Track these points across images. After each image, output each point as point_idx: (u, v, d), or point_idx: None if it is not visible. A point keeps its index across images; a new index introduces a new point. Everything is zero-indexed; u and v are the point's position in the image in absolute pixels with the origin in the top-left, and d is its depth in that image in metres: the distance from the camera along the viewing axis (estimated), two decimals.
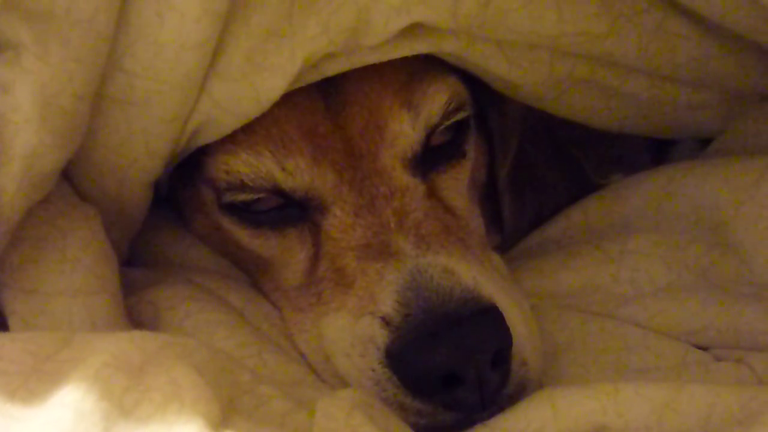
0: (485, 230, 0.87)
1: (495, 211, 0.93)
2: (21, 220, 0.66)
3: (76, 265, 0.68)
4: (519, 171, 0.92)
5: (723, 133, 0.94)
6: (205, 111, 0.73)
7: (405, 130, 0.78)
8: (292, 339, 0.78)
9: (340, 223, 0.76)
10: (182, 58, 0.68)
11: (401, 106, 0.78)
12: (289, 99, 0.75)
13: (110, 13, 0.65)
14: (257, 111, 0.74)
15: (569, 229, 0.91)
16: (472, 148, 0.86)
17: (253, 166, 0.76)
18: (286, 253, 0.80)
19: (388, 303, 0.69)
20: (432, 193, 0.80)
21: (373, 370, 0.69)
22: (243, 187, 0.77)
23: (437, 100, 0.79)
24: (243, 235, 0.81)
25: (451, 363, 0.64)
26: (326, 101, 0.78)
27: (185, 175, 0.84)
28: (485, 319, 0.67)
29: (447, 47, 0.78)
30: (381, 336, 0.68)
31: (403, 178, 0.78)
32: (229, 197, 0.79)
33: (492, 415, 0.66)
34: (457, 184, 0.84)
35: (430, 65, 0.81)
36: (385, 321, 0.69)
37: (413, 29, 0.75)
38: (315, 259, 0.78)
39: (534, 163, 0.94)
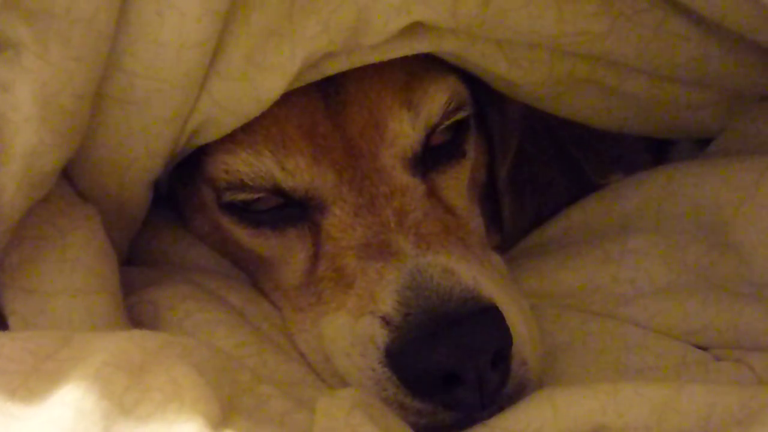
0: (485, 230, 0.87)
1: (495, 211, 0.93)
2: (21, 220, 0.66)
3: (76, 264, 0.68)
4: (519, 171, 0.92)
5: (723, 133, 0.94)
6: (205, 110, 0.73)
7: (405, 130, 0.78)
8: (292, 338, 0.78)
9: (340, 222, 0.76)
10: (182, 58, 0.68)
11: (401, 105, 0.78)
12: (289, 98, 0.75)
13: (110, 12, 0.65)
14: (257, 110, 0.74)
15: (569, 229, 0.91)
16: (472, 147, 0.86)
17: (252, 166, 0.76)
18: (286, 252, 0.80)
19: (388, 302, 0.69)
20: (432, 193, 0.80)
21: (373, 370, 0.69)
22: (243, 186, 0.77)
23: (437, 99, 0.79)
24: (243, 235, 0.81)
25: (451, 363, 0.64)
26: (326, 101, 0.78)
27: (185, 175, 0.84)
28: (485, 319, 0.67)
29: (447, 47, 0.78)
30: (381, 335, 0.68)
31: (403, 177, 0.78)
32: (228, 197, 0.79)
33: (492, 414, 0.66)
34: (457, 183, 0.84)
35: (430, 65, 0.81)
36: (385, 320, 0.69)
37: (413, 29, 0.75)
38: (315, 258, 0.78)
39: (534, 162, 0.94)
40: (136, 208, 0.80)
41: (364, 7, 0.72)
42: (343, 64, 0.75)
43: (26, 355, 0.56)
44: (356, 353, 0.70)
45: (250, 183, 0.77)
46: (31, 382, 0.54)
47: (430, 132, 0.80)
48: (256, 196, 0.78)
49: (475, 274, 0.72)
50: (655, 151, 1.05)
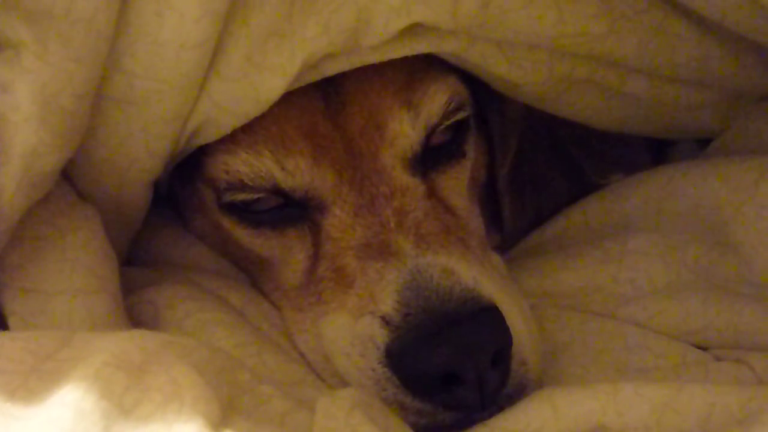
0: (485, 230, 0.87)
1: (495, 211, 0.93)
2: (21, 220, 0.66)
3: (76, 264, 0.68)
4: (519, 171, 0.92)
5: (723, 133, 0.94)
6: (204, 111, 0.73)
7: (405, 130, 0.78)
8: (292, 339, 0.78)
9: (340, 222, 0.76)
10: (182, 58, 0.68)
11: (401, 105, 0.78)
12: (288, 99, 0.75)
13: (110, 12, 0.65)
14: (257, 111, 0.74)
15: (569, 229, 0.91)
16: (472, 147, 0.86)
17: (252, 166, 0.76)
18: (286, 252, 0.80)
19: (388, 302, 0.69)
20: (432, 193, 0.80)
21: (373, 370, 0.69)
22: (243, 186, 0.77)
23: (437, 100, 0.80)
24: (243, 235, 0.81)
25: (451, 362, 0.64)
26: (326, 101, 0.78)
27: (185, 175, 0.84)
28: (485, 319, 0.67)
29: (447, 47, 0.78)
30: (381, 335, 0.68)
31: (403, 177, 0.78)
32: (228, 197, 0.79)
33: (492, 414, 0.66)
34: (457, 183, 0.84)
35: (430, 65, 0.81)
36: (385, 320, 0.69)
37: (413, 29, 0.75)
38: (315, 258, 0.78)
39: (534, 162, 0.94)
40: (135, 208, 0.80)
41: (364, 8, 0.72)
42: (342, 64, 0.76)
43: (26, 355, 0.56)
44: (356, 353, 0.70)
45: (250, 183, 0.77)
46: (30, 382, 0.54)
47: (430, 132, 0.80)
48: (256, 196, 0.78)
49: (475, 274, 0.72)
50: (655, 151, 1.05)
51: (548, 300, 0.83)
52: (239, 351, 0.70)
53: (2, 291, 0.66)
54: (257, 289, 0.83)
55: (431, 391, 0.66)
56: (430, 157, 0.81)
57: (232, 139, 0.77)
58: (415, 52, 0.77)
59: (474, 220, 0.84)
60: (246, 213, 0.80)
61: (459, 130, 0.84)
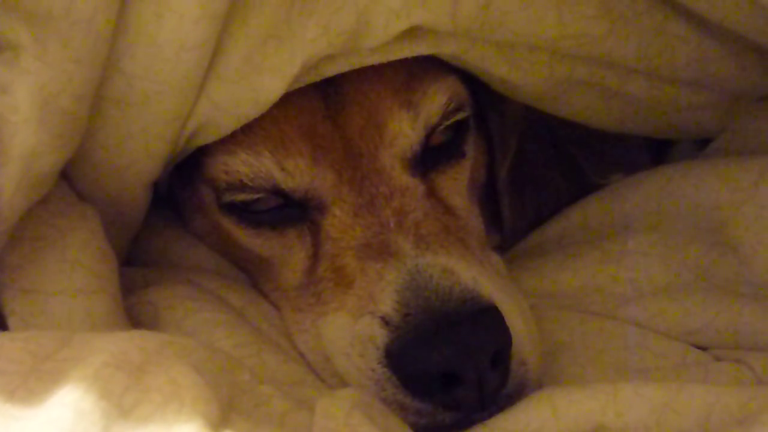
0: (485, 230, 0.87)
1: (494, 211, 0.93)
2: (19, 220, 0.66)
3: (76, 264, 0.68)
4: (518, 171, 0.92)
5: (722, 133, 0.95)
6: (203, 112, 0.73)
7: (404, 130, 0.78)
8: (292, 339, 0.78)
9: (340, 222, 0.76)
10: (181, 59, 0.68)
11: (401, 106, 0.78)
12: (288, 99, 0.75)
13: (109, 13, 0.65)
14: (256, 112, 0.74)
15: (569, 229, 0.91)
16: (472, 148, 0.86)
17: (252, 166, 0.76)
18: (286, 252, 0.80)
19: (387, 303, 0.69)
20: (431, 193, 0.80)
21: (373, 370, 0.69)
22: (242, 187, 0.77)
23: (437, 100, 0.80)
24: (242, 235, 0.81)
25: (451, 363, 0.64)
26: (326, 101, 0.78)
27: (185, 175, 0.84)
28: (485, 319, 0.67)
29: (446, 49, 0.78)
30: (380, 336, 0.68)
31: (402, 177, 0.78)
32: (228, 197, 0.79)
33: (491, 415, 0.66)
34: (457, 184, 0.84)
35: (429, 65, 0.81)
36: (385, 321, 0.69)
37: (413, 31, 0.75)
38: (314, 258, 0.78)
39: (533, 163, 0.94)
40: (135, 209, 0.80)
41: (364, 10, 0.72)
42: (342, 65, 0.76)
43: (26, 356, 0.56)
44: (356, 353, 0.70)
45: (250, 183, 0.77)
46: (30, 383, 0.54)
47: (430, 132, 0.80)
48: (255, 196, 0.78)
49: (475, 274, 0.72)
50: (654, 151, 1.05)
51: (548, 300, 0.83)
52: (239, 351, 0.70)
53: (2, 291, 0.66)
54: (257, 290, 0.83)
55: (431, 392, 0.66)
56: (430, 157, 0.81)
57: (232, 140, 0.77)
58: (414, 54, 0.77)
59: (474, 220, 0.84)
60: (246, 213, 0.80)
61: (459, 130, 0.84)
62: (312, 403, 0.62)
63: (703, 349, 0.76)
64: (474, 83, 0.86)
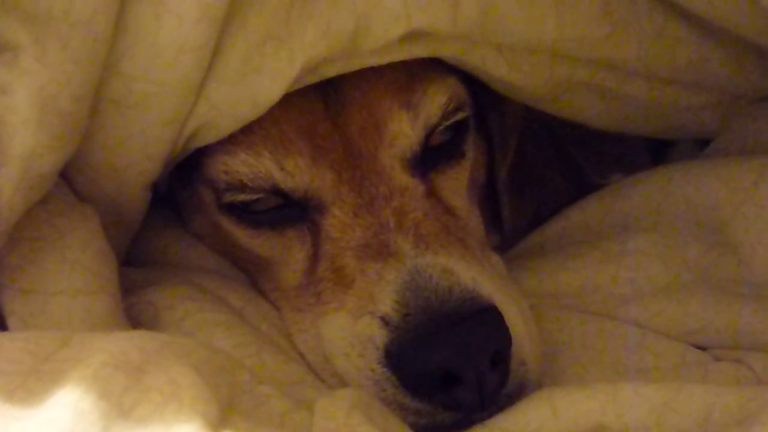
0: (484, 230, 0.87)
1: (494, 211, 0.93)
2: (18, 221, 0.66)
3: (75, 265, 0.68)
4: (518, 171, 0.92)
5: (722, 133, 0.95)
6: (202, 114, 0.73)
7: (404, 130, 0.78)
8: (292, 339, 0.78)
9: (340, 223, 0.76)
10: (180, 61, 0.68)
11: (400, 106, 0.78)
12: (288, 99, 0.75)
13: (108, 14, 0.65)
14: (255, 114, 0.74)
15: (568, 229, 0.91)
16: (472, 148, 0.86)
17: (252, 167, 0.76)
18: (286, 253, 0.80)
19: (387, 303, 0.69)
20: (431, 193, 0.80)
21: (372, 370, 0.69)
22: (242, 187, 0.77)
23: (436, 100, 0.80)
24: (242, 235, 0.81)
25: (450, 363, 0.64)
26: (325, 101, 0.78)
27: (184, 176, 0.84)
28: (484, 319, 0.67)
29: (446, 51, 0.78)
30: (380, 336, 0.68)
31: (402, 178, 0.78)
32: (228, 197, 0.79)
33: (491, 415, 0.66)
34: (457, 184, 0.84)
35: (429, 66, 0.81)
36: (385, 321, 0.69)
37: (413, 34, 0.75)
38: (314, 259, 0.78)
39: (533, 163, 0.94)
40: (134, 210, 0.80)
41: (364, 14, 0.72)
42: (342, 67, 0.76)
43: (25, 356, 0.56)
44: (355, 353, 0.70)
45: (250, 184, 0.77)
46: (30, 383, 0.54)
47: (430, 132, 0.80)
48: (255, 196, 0.78)
49: (475, 274, 0.72)
50: (654, 151, 1.05)
51: (548, 300, 0.83)
52: (238, 351, 0.70)
53: (1, 291, 0.66)
54: (257, 290, 0.83)
55: (430, 392, 0.66)
56: (430, 158, 0.81)
57: (232, 140, 0.77)
58: (414, 56, 0.77)
59: (473, 220, 0.84)
60: (245, 213, 0.80)
61: (458, 130, 0.84)
62: (311, 403, 0.62)
63: (702, 349, 0.77)
64: (474, 83, 0.86)
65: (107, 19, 0.65)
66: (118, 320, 0.69)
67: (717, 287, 0.79)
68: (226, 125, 0.74)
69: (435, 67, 0.81)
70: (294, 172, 0.76)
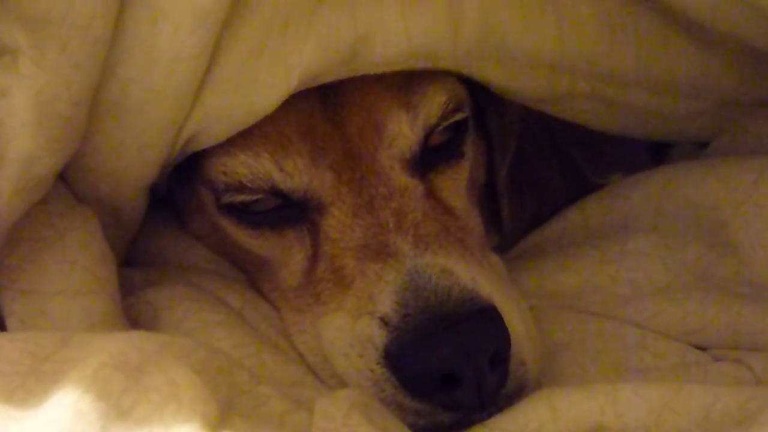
0: (484, 230, 0.87)
1: (494, 212, 0.93)
2: (16, 223, 0.66)
3: (75, 265, 0.68)
4: (518, 171, 0.92)
5: (722, 133, 0.95)
6: (198, 120, 0.73)
7: (403, 131, 0.78)
8: (291, 339, 0.78)
9: (339, 223, 0.76)
10: (176, 69, 0.68)
11: (400, 106, 0.78)
12: (286, 100, 0.74)
13: (107, 19, 0.65)
14: (251, 121, 0.74)
15: (568, 230, 0.91)
16: (471, 148, 0.86)
17: (251, 167, 0.76)
18: (285, 253, 0.80)
19: (386, 303, 0.69)
20: (430, 194, 0.80)
21: (372, 371, 0.69)
22: (241, 188, 0.77)
23: (436, 100, 0.79)
24: (241, 236, 0.81)
25: (450, 363, 0.64)
26: (324, 102, 0.78)
27: (183, 176, 0.84)
28: (483, 319, 0.67)
29: (445, 65, 0.79)
30: (379, 336, 0.68)
31: (401, 178, 0.78)
32: (227, 198, 0.79)
33: (490, 415, 0.66)
34: (456, 184, 0.84)
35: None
36: (384, 321, 0.69)
37: (412, 52, 0.75)
38: (314, 259, 0.78)
39: (533, 163, 0.94)
40: (132, 211, 0.80)
41: (364, 33, 0.73)
42: (341, 74, 0.76)
43: (24, 356, 0.56)
44: (355, 354, 0.70)
45: (249, 184, 0.77)
46: (29, 383, 0.54)
47: (429, 133, 0.80)
48: (254, 197, 0.78)
49: (474, 274, 0.72)
50: (654, 151, 1.05)
51: (547, 300, 0.83)
52: (238, 351, 0.70)
53: (1, 292, 0.67)
54: (256, 290, 0.83)
55: (430, 392, 0.66)
56: (429, 158, 0.81)
57: (231, 141, 0.77)
58: (412, 68, 0.77)
59: (473, 221, 0.84)
60: (245, 214, 0.80)
61: (458, 130, 0.84)
62: (311, 403, 0.62)
63: (702, 349, 0.77)
64: (473, 83, 0.86)
65: (106, 24, 0.65)
66: (118, 321, 0.70)
67: (717, 287, 0.79)
68: (222, 132, 0.75)
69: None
70: (293, 172, 0.76)
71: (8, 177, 0.63)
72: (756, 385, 0.71)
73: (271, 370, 0.70)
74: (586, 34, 0.79)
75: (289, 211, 0.79)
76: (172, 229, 0.88)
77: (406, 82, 0.79)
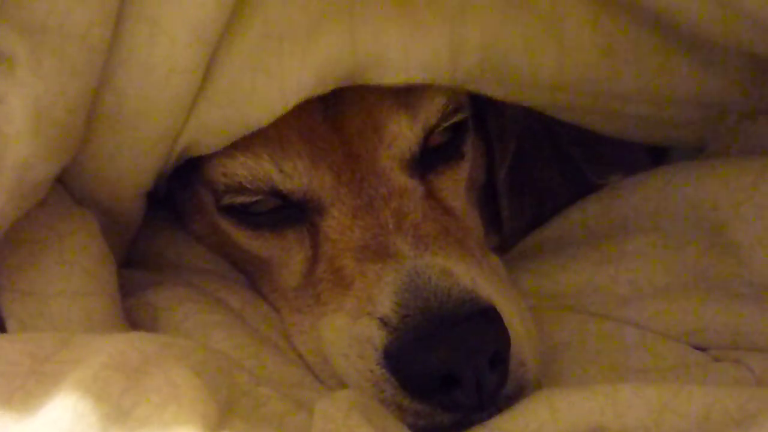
0: (484, 231, 0.87)
1: (494, 212, 0.93)
2: (18, 223, 0.66)
3: (74, 267, 0.68)
4: (517, 172, 0.92)
5: (722, 134, 0.94)
6: (193, 132, 0.73)
7: (403, 132, 0.78)
8: (291, 340, 0.78)
9: (339, 224, 0.76)
10: (171, 82, 0.68)
11: (399, 107, 0.78)
12: None
13: (104, 28, 0.65)
14: (246, 132, 0.74)
15: (568, 230, 0.91)
16: (471, 149, 0.86)
17: (250, 169, 0.76)
18: (285, 254, 0.80)
19: (386, 304, 0.69)
20: (430, 194, 0.80)
21: (371, 371, 0.69)
22: (241, 189, 0.77)
23: (435, 101, 0.80)
24: (241, 237, 0.81)
25: (449, 364, 0.64)
26: (324, 103, 0.78)
27: (183, 178, 0.84)
28: (483, 320, 0.67)
29: (444, 83, 0.79)
30: (379, 337, 0.68)
31: (401, 179, 0.78)
32: (227, 199, 0.79)
33: (490, 415, 0.66)
34: (456, 185, 0.84)
35: None
36: (383, 322, 0.69)
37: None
38: (313, 260, 0.78)
39: (532, 163, 0.94)
40: (130, 215, 0.80)
41: (364, 62, 0.73)
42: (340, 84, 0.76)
43: (24, 358, 0.56)
44: (354, 354, 0.70)
45: (249, 186, 0.77)
46: (29, 385, 0.54)
47: (429, 133, 0.80)
48: (254, 198, 0.78)
49: (474, 275, 0.72)
50: (654, 151, 1.05)
51: (547, 301, 0.83)
52: (238, 352, 0.70)
53: (1, 293, 0.67)
54: (256, 291, 0.83)
55: (429, 393, 0.66)
56: (429, 159, 0.81)
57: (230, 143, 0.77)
58: (411, 83, 0.77)
59: (472, 221, 0.84)
60: (245, 215, 0.80)
61: (457, 131, 0.84)
62: (311, 404, 0.62)
63: (702, 349, 0.76)
64: None
65: (103, 33, 0.65)
66: (117, 322, 0.70)
67: (717, 287, 0.79)
68: (217, 142, 0.75)
69: None
70: (293, 173, 0.76)
71: (3, 184, 0.63)
72: (756, 386, 0.71)
73: (271, 371, 0.70)
74: (587, 58, 0.79)
75: (289, 212, 0.79)
76: (172, 230, 0.88)
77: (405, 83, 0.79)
